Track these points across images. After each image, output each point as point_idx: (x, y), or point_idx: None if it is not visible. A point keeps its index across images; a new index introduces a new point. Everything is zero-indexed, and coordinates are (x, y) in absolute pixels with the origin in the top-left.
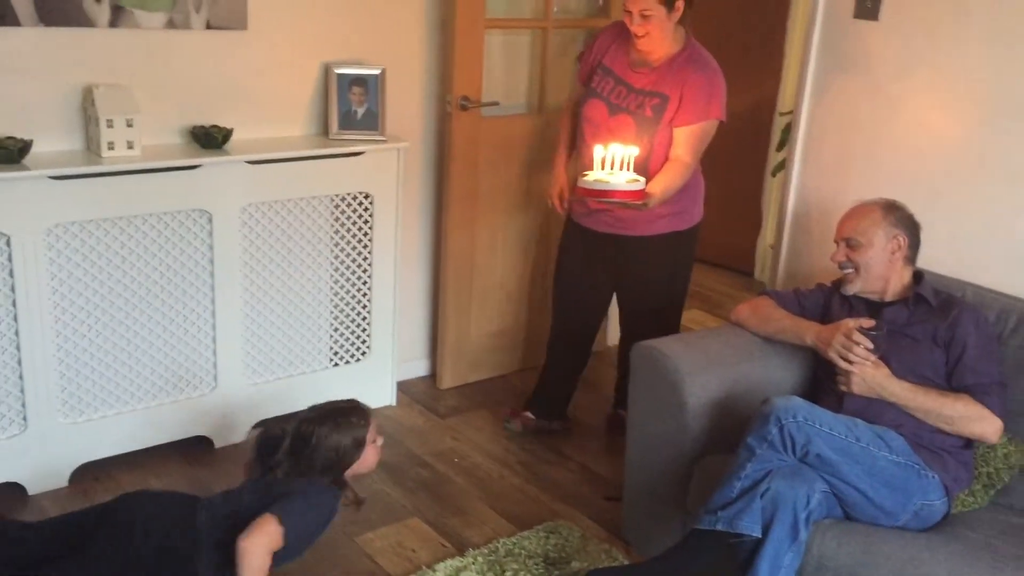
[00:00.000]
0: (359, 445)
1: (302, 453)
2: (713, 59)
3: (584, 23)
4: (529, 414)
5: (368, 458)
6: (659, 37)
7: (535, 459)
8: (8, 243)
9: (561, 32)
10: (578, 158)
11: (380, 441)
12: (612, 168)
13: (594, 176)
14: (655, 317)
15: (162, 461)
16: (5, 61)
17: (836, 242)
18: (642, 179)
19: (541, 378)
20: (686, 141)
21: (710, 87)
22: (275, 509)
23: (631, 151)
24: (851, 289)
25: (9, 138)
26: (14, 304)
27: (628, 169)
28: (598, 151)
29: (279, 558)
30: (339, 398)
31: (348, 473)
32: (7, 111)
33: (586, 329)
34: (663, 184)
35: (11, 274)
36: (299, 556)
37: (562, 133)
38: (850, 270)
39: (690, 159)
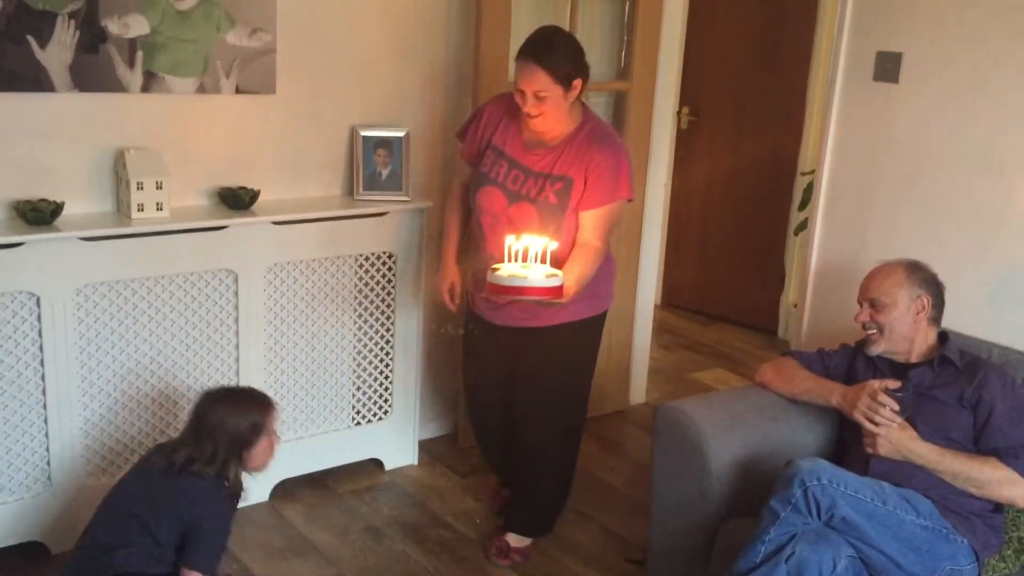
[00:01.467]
0: (256, 430)
1: (201, 434)
2: (615, 132)
3: (608, 86)
4: (516, 540)
5: (263, 451)
6: (554, 117)
7: (556, 519)
8: (38, 303)
9: (585, 95)
10: (475, 252)
11: (278, 438)
12: (526, 261)
13: (508, 271)
14: (553, 418)
15: None
16: (40, 126)
17: (859, 302)
18: (560, 273)
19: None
20: (595, 225)
21: (617, 165)
22: (190, 559)
23: (551, 244)
24: (875, 350)
25: (42, 200)
26: (42, 364)
27: (545, 262)
28: (510, 241)
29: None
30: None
31: (244, 462)
32: (40, 174)
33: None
34: (576, 274)
35: (40, 334)
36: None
37: (451, 221)
38: (874, 331)
39: (601, 244)
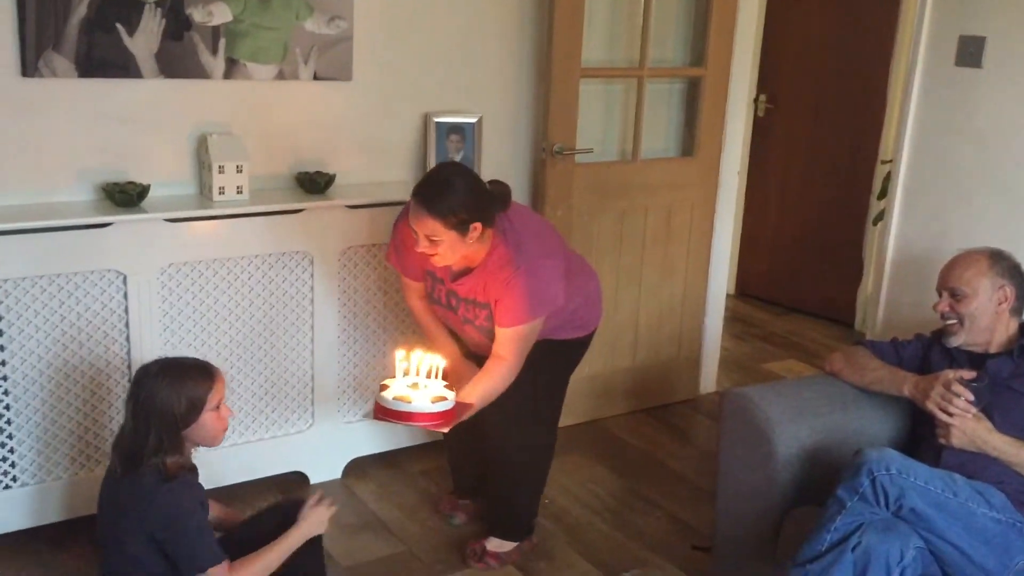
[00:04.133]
0: (193, 406)
1: (137, 416)
2: (530, 247)
3: (679, 72)
4: (468, 502)
5: (207, 427)
6: (453, 256)
7: (623, 506)
8: (124, 282)
9: (656, 81)
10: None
11: (226, 410)
12: (417, 376)
13: (394, 392)
14: (519, 435)
15: (259, 494)
16: (128, 111)
17: (939, 291)
18: (451, 395)
19: (452, 463)
20: (509, 341)
21: (527, 290)
22: (188, 570)
23: (437, 361)
24: (955, 341)
25: (129, 183)
26: (128, 340)
27: (436, 377)
28: (399, 358)
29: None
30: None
31: (188, 441)
32: (128, 157)
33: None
34: (482, 390)
35: (126, 311)
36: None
37: (425, 321)
38: (953, 321)
39: (514, 359)
